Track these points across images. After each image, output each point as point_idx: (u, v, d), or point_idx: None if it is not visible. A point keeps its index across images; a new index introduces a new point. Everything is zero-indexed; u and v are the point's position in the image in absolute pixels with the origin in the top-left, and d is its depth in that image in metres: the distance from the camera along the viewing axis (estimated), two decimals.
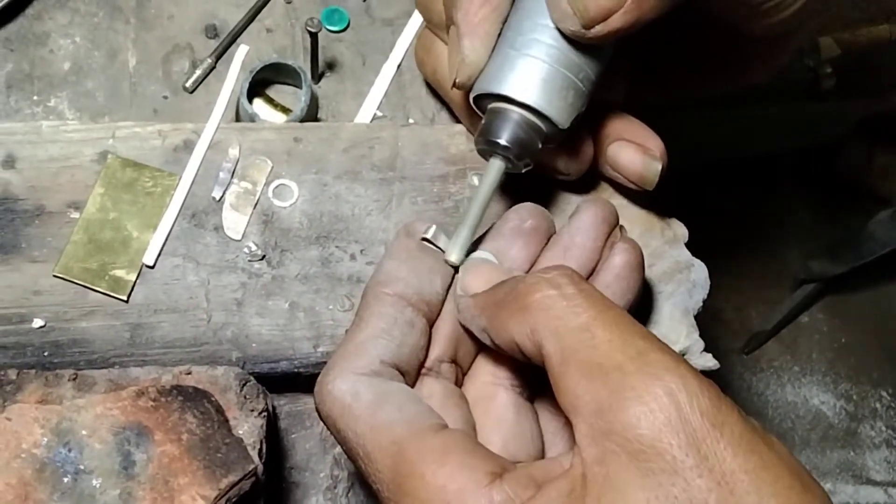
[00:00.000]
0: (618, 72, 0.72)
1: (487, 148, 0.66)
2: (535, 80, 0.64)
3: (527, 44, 0.64)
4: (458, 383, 0.65)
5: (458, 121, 0.80)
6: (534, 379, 0.65)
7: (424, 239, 0.65)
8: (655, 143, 0.74)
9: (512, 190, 0.75)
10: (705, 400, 0.50)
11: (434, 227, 0.65)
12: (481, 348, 0.65)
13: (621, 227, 0.68)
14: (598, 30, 0.61)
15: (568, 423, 0.59)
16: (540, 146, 0.67)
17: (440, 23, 0.73)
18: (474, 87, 0.67)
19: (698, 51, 0.76)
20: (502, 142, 0.65)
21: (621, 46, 0.68)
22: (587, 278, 0.66)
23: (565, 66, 0.64)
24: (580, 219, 0.67)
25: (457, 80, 0.67)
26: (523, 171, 0.67)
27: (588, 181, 0.78)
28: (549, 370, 0.55)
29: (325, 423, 0.61)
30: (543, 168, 0.73)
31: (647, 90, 0.79)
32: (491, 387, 0.64)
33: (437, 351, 0.64)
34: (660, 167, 0.73)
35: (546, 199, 0.77)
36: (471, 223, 0.65)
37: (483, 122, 0.67)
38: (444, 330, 0.64)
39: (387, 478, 0.56)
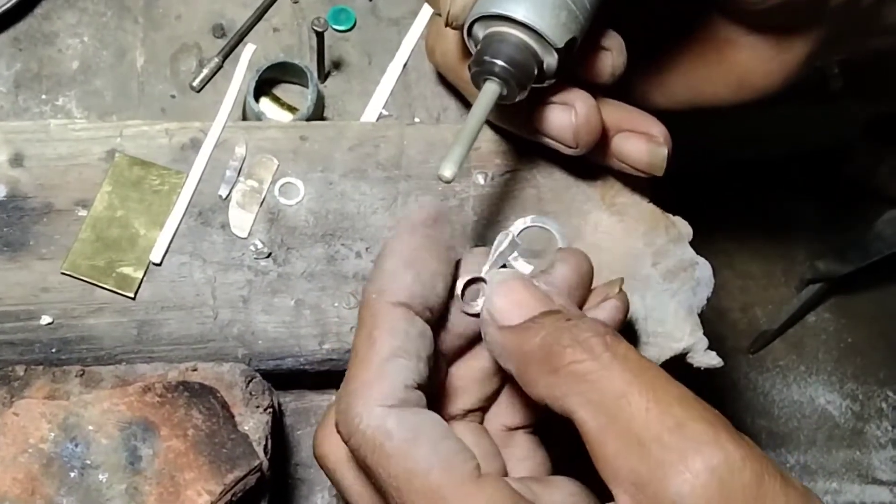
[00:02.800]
0: (606, 37, 0.71)
1: (481, 69, 0.65)
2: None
3: None
4: (480, 421, 0.65)
5: (462, 120, 0.80)
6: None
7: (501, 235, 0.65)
8: (659, 129, 0.73)
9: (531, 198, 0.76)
10: (747, 473, 0.49)
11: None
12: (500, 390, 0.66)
13: (622, 279, 0.66)
14: None
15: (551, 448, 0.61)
16: (535, 72, 0.66)
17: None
18: (467, 20, 0.66)
19: (701, 48, 0.75)
20: (494, 60, 0.64)
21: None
22: None
23: None
24: (556, 276, 0.65)
25: (451, 11, 0.66)
26: (517, 98, 0.66)
27: (598, 173, 0.78)
28: (585, 437, 0.54)
29: (353, 454, 0.57)
30: (552, 139, 0.72)
31: (653, 94, 0.79)
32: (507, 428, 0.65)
33: (468, 401, 0.64)
34: (666, 152, 0.73)
35: (559, 200, 0.78)
36: (465, 142, 0.62)
37: (477, 48, 0.66)
38: (472, 377, 0.64)
39: None
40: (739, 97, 0.77)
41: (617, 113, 0.73)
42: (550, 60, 0.66)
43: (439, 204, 0.62)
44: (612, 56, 0.70)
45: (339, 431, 0.57)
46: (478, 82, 0.66)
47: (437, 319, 0.62)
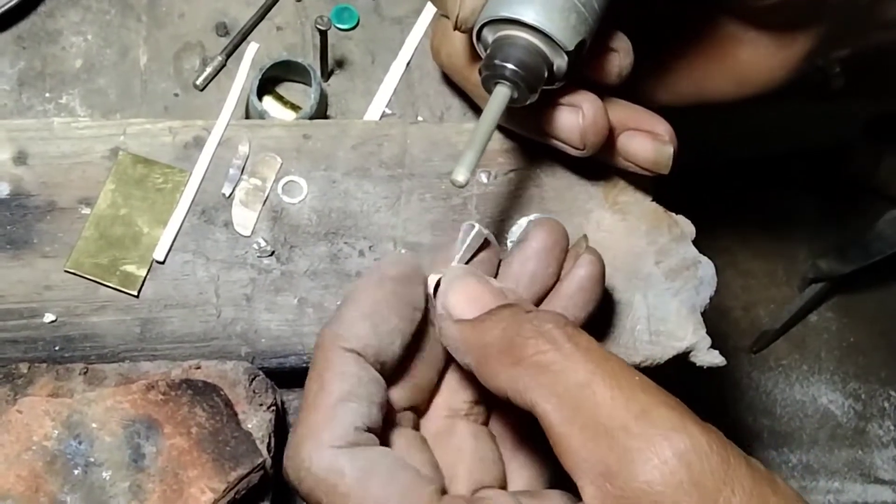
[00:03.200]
0: (620, 25, 0.71)
1: (491, 74, 0.65)
2: (535, 1, 0.64)
3: None
4: (416, 426, 0.64)
5: (466, 119, 0.81)
6: (486, 401, 0.65)
7: (472, 225, 0.64)
8: (664, 128, 0.73)
9: (532, 195, 0.76)
10: (715, 457, 0.50)
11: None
12: (436, 386, 0.65)
13: (585, 236, 0.68)
14: None
15: (523, 442, 0.60)
16: (545, 75, 0.66)
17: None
18: (476, 23, 0.66)
19: (704, 45, 0.76)
20: (505, 64, 0.64)
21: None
22: (544, 297, 0.67)
23: None
24: (530, 245, 0.66)
25: (459, 16, 0.66)
26: (528, 101, 0.66)
27: (601, 172, 0.78)
28: (548, 429, 0.53)
29: (307, 499, 0.56)
30: (559, 141, 0.73)
31: (657, 90, 0.79)
32: (448, 420, 0.64)
33: (397, 402, 0.62)
34: (672, 150, 0.73)
35: (562, 199, 0.78)
36: (477, 146, 0.62)
37: (487, 52, 0.66)
38: (404, 380, 0.63)
39: None
40: (742, 93, 0.78)
41: (622, 112, 0.74)
42: (560, 63, 0.66)
43: (414, 261, 0.62)
44: (620, 57, 0.70)
45: (287, 478, 0.57)
46: (488, 86, 0.66)
47: (391, 373, 0.61)
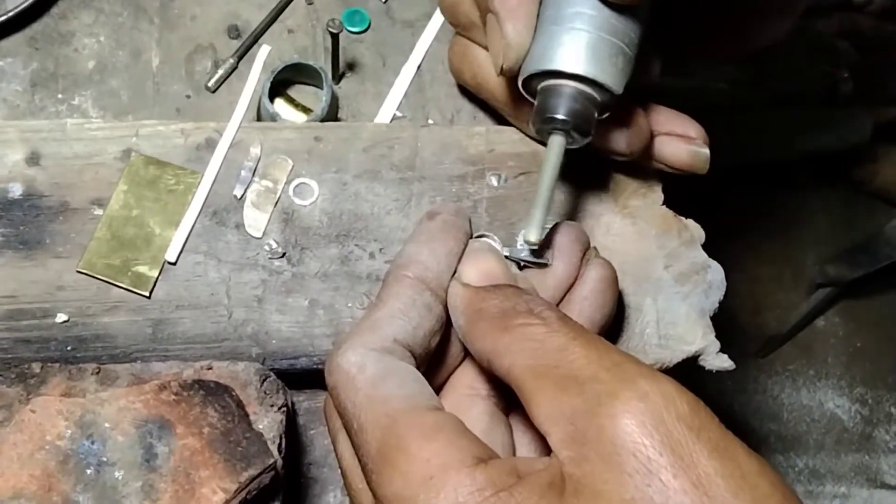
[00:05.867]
0: (651, 48, 0.72)
1: (546, 126, 0.67)
2: (584, 51, 0.64)
3: (568, 17, 0.65)
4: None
5: (476, 122, 0.81)
6: (510, 392, 0.66)
7: (480, 235, 0.69)
8: (697, 131, 0.75)
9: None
10: (682, 405, 0.50)
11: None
12: (461, 362, 0.67)
13: (594, 247, 0.70)
14: None
15: (539, 438, 0.60)
16: (597, 116, 0.67)
17: (469, 23, 0.74)
18: (523, 69, 0.67)
19: (711, 10, 0.76)
20: (560, 116, 0.65)
21: (662, 18, 0.68)
22: (561, 300, 0.69)
23: (610, 33, 0.65)
24: (555, 242, 0.69)
25: (504, 66, 0.67)
26: (584, 143, 0.68)
27: (611, 175, 0.78)
28: (520, 388, 0.55)
29: (329, 395, 0.62)
30: (604, 151, 0.74)
31: (704, 50, 0.79)
32: (467, 398, 0.65)
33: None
34: (708, 152, 0.75)
35: (572, 202, 0.78)
36: (543, 202, 0.65)
37: (537, 101, 0.67)
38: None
39: (373, 449, 0.56)
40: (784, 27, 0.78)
41: (654, 115, 0.75)
42: (609, 100, 0.67)
43: (457, 202, 0.71)
44: (657, 64, 0.72)
45: (326, 376, 0.62)
46: (542, 136, 0.68)
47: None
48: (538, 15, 0.67)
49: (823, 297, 1.96)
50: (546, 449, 0.56)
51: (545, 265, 0.67)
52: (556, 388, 0.53)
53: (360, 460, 0.58)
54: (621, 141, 0.73)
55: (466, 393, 0.65)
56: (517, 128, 0.78)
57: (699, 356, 0.76)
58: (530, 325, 0.57)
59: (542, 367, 0.55)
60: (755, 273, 2.01)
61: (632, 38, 0.66)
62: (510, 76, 0.69)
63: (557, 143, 0.66)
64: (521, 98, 0.71)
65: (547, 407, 0.53)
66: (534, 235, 0.65)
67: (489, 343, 0.59)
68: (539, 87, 0.67)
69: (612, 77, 0.65)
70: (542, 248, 0.69)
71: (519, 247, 0.71)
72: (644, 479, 0.49)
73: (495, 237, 0.71)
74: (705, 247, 0.79)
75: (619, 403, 0.50)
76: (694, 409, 0.50)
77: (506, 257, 0.70)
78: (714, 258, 0.78)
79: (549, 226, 0.71)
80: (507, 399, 0.65)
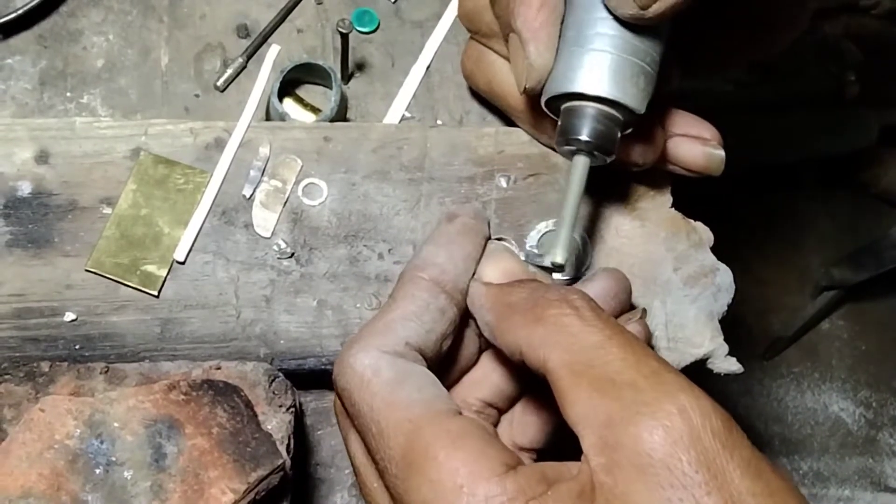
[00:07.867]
0: (671, 59, 0.72)
1: (569, 147, 0.67)
2: (606, 72, 0.65)
3: (589, 39, 0.65)
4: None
5: (485, 123, 0.81)
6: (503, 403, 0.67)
7: (499, 238, 0.70)
8: (711, 133, 0.75)
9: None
10: (717, 422, 0.50)
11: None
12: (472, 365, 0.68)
13: (644, 310, 0.68)
14: (656, 8, 0.61)
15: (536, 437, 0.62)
16: (619, 135, 0.67)
17: (489, 32, 0.74)
18: (546, 90, 0.67)
19: (721, 20, 0.75)
20: (584, 138, 0.66)
21: (674, 29, 0.68)
22: None
23: (631, 53, 0.65)
24: (593, 286, 0.67)
25: (527, 86, 0.67)
26: (608, 161, 0.68)
27: (620, 177, 0.78)
28: (555, 382, 0.55)
29: (339, 397, 0.62)
30: (619, 162, 0.73)
31: (725, 59, 0.79)
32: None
33: (486, 392, 0.67)
34: (723, 153, 0.75)
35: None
36: (569, 222, 0.66)
37: (560, 122, 0.68)
38: (495, 367, 0.67)
39: (397, 455, 0.56)
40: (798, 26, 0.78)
41: (669, 117, 0.75)
42: (631, 119, 0.67)
43: (476, 204, 0.72)
44: (677, 75, 0.72)
45: (333, 373, 0.62)
46: (566, 155, 0.69)
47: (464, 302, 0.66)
48: (560, 35, 0.67)
49: (828, 299, 1.96)
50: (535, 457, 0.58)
51: (561, 269, 0.66)
52: (591, 388, 0.53)
53: (377, 463, 0.58)
54: (636, 153, 0.73)
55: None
56: (533, 137, 0.78)
57: (707, 359, 0.76)
58: (564, 315, 0.57)
59: (578, 363, 0.54)
60: (760, 275, 2.01)
61: (653, 57, 0.66)
62: (531, 95, 0.69)
63: (582, 163, 0.67)
64: (539, 111, 0.71)
65: (583, 407, 0.53)
66: (560, 257, 0.65)
67: (523, 335, 0.58)
68: (562, 107, 0.68)
69: (634, 97, 0.66)
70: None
71: (529, 248, 0.71)
72: (677, 493, 0.49)
73: (511, 240, 0.71)
74: (712, 250, 0.78)
75: (659, 415, 0.50)
76: (727, 427, 0.51)
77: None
78: (719, 260, 0.78)
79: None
80: (499, 414, 0.67)
